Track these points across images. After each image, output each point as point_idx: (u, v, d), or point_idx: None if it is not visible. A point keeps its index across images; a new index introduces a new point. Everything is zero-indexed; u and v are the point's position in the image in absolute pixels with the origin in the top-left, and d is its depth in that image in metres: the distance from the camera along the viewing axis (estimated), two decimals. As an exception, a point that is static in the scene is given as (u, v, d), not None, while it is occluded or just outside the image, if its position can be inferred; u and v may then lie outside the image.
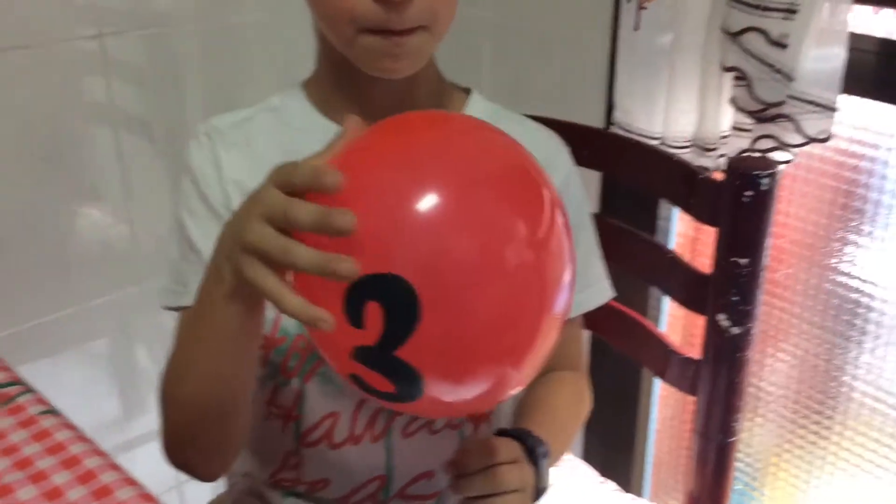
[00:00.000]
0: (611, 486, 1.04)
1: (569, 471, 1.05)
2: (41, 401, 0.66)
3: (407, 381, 0.50)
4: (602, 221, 0.87)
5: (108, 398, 1.32)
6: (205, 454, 0.71)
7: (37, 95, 1.10)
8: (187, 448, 0.70)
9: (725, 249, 0.84)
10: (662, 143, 1.06)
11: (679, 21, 1.00)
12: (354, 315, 0.49)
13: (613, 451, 1.38)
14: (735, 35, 0.94)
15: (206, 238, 0.73)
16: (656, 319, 1.27)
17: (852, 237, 1.10)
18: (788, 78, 0.92)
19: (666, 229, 1.22)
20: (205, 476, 0.72)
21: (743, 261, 0.83)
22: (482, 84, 1.35)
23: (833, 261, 1.12)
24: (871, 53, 0.95)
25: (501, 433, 0.75)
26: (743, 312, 0.85)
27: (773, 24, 0.91)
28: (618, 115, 1.11)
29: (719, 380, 0.89)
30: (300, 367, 0.74)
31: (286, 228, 0.51)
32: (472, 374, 0.51)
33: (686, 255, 1.03)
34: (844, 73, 0.90)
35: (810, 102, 0.92)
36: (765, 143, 0.97)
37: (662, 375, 0.97)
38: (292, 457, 0.78)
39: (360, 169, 0.50)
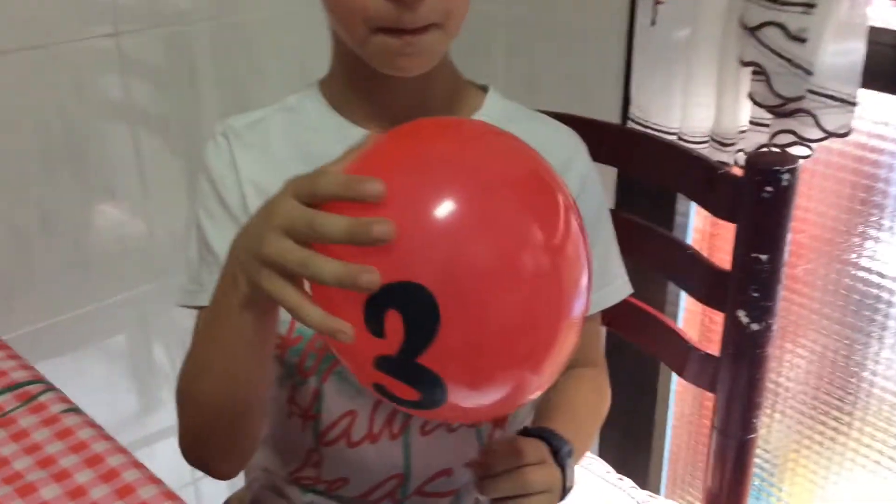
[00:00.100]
0: (627, 483, 1.04)
1: (584, 467, 1.05)
2: (63, 399, 0.67)
3: (430, 388, 0.50)
4: (618, 217, 0.87)
5: (127, 394, 1.33)
6: (220, 453, 0.71)
7: (54, 94, 1.11)
8: (203, 446, 0.70)
9: (745, 245, 0.83)
10: (679, 139, 1.05)
11: (696, 16, 0.99)
12: (375, 325, 0.49)
13: (629, 447, 1.37)
14: (753, 30, 0.93)
15: (222, 239, 0.72)
16: (674, 315, 1.26)
17: (872, 232, 1.09)
18: (807, 72, 0.91)
19: (683, 225, 1.22)
20: (220, 474, 0.73)
21: (763, 257, 0.82)
22: (496, 80, 1.35)
23: (852, 256, 1.12)
24: (892, 47, 0.94)
25: (525, 433, 0.75)
26: (763, 309, 0.85)
27: (792, 19, 0.90)
28: (634, 111, 1.10)
29: (739, 377, 0.88)
30: (317, 367, 0.74)
31: (306, 241, 0.50)
32: (492, 379, 0.51)
33: (703, 251, 1.02)
34: (864, 68, 0.89)
35: (830, 97, 0.91)
36: (783, 139, 0.96)
37: (681, 372, 0.96)
38: (314, 454, 0.79)
39: (376, 177, 0.49)
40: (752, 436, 0.91)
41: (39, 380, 0.69)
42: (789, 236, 0.83)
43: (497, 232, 0.48)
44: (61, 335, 1.20)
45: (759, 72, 0.94)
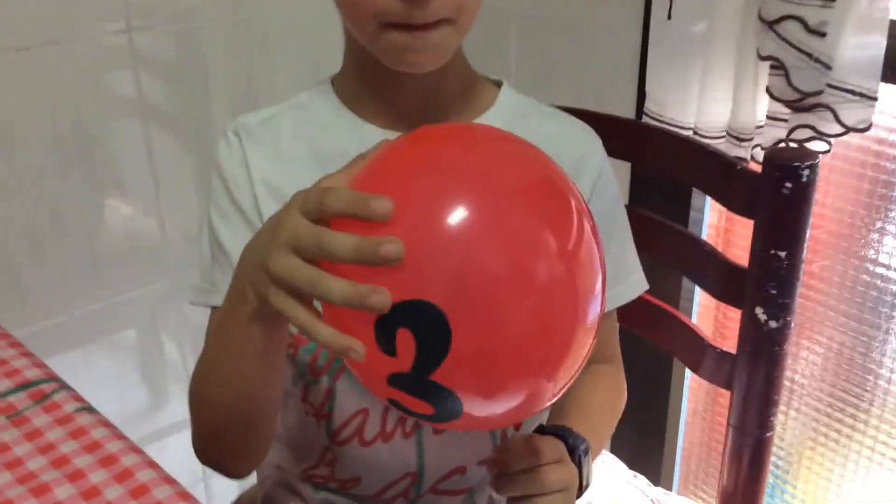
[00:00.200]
0: (642, 480, 1.03)
1: (598, 464, 1.04)
2: (76, 397, 0.66)
3: (444, 403, 0.50)
4: (632, 212, 0.86)
5: (137, 390, 1.33)
6: (233, 454, 0.71)
7: (66, 90, 1.11)
8: (216, 448, 0.70)
9: (764, 242, 0.82)
10: (695, 134, 1.04)
11: (713, 10, 0.98)
12: (386, 343, 0.48)
13: (642, 443, 1.37)
14: (772, 23, 0.92)
15: (234, 238, 0.72)
16: (688, 311, 1.25)
17: (890, 228, 1.08)
18: (827, 66, 0.90)
19: (698, 220, 1.21)
20: (234, 474, 0.73)
21: (782, 253, 0.81)
22: (509, 75, 1.34)
23: (869, 252, 1.10)
24: (913, 41, 0.93)
25: (541, 430, 0.74)
26: (781, 306, 0.84)
27: (812, 12, 0.89)
28: (649, 106, 1.09)
29: (756, 374, 0.87)
30: (329, 366, 0.73)
31: (313, 258, 0.49)
32: (507, 389, 0.50)
33: (717, 246, 1.01)
34: (884, 61, 0.88)
35: (849, 91, 0.90)
36: (802, 133, 0.95)
37: (696, 369, 0.95)
38: (328, 453, 0.78)
39: (383, 191, 0.48)
40: (769, 434, 0.91)
41: (52, 378, 0.68)
42: (808, 233, 0.82)
43: (509, 241, 0.48)
44: (73, 331, 1.21)
45: (778, 66, 0.93)
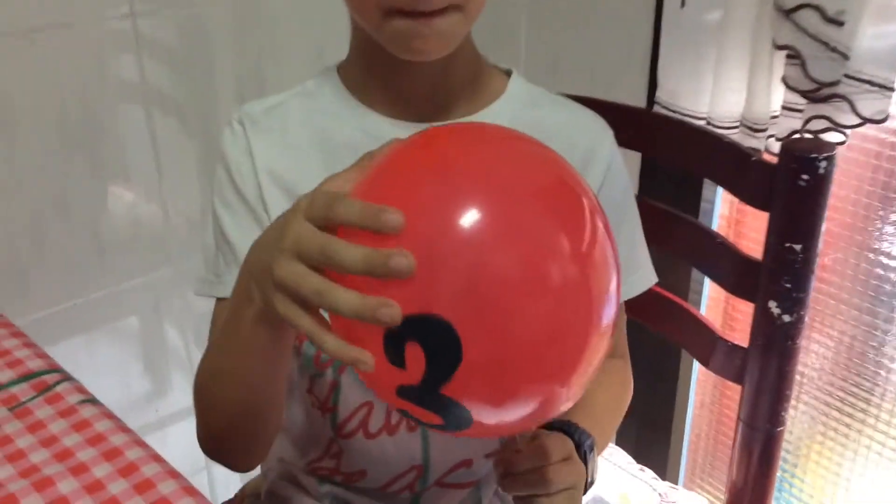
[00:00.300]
0: (648, 474, 1.02)
1: (605, 458, 1.03)
2: (80, 389, 0.65)
3: (455, 416, 0.48)
4: (642, 203, 0.84)
5: (140, 378, 1.32)
6: (238, 449, 0.70)
7: (69, 75, 1.09)
8: (220, 442, 0.69)
9: (778, 235, 0.81)
10: (708, 124, 1.03)
11: (728, -4, 0.96)
12: (395, 356, 0.46)
13: (648, 436, 1.36)
14: (788, 12, 0.90)
15: (238, 229, 0.71)
16: (697, 303, 1.24)
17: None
18: (844, 56, 0.88)
19: (708, 211, 1.19)
20: (237, 468, 0.72)
21: (797, 247, 0.80)
22: (518, 62, 1.33)
23: (884, 245, 1.09)
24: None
25: (548, 426, 0.73)
26: (795, 300, 0.82)
27: (830, 1, 0.87)
28: (661, 95, 1.07)
29: (768, 369, 0.86)
30: (333, 359, 0.72)
31: (319, 267, 0.48)
32: (519, 398, 0.49)
33: (728, 238, 0.99)
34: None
35: (867, 82, 0.88)
36: (817, 124, 0.93)
37: (707, 363, 0.94)
38: (333, 445, 0.77)
39: (391, 197, 0.47)
40: (780, 428, 0.89)
41: (56, 369, 0.67)
42: (824, 226, 0.81)
43: (522, 249, 0.46)
44: (75, 319, 1.20)
45: (794, 55, 0.91)
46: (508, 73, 0.77)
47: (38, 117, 1.09)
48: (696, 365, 1.30)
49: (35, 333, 0.78)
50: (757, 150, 0.98)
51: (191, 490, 0.56)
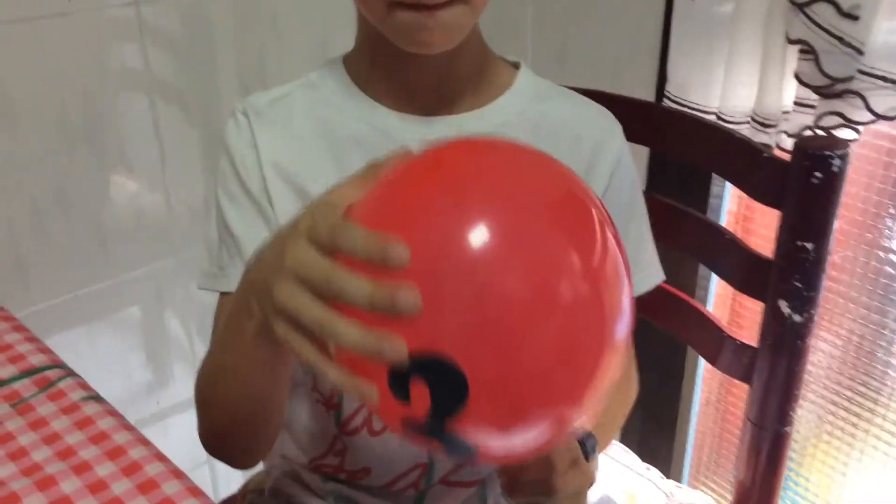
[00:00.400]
0: (655, 473, 1.01)
1: (611, 457, 1.02)
2: (83, 385, 0.64)
3: (461, 448, 0.47)
4: (650, 199, 0.83)
5: (142, 370, 1.31)
6: (237, 448, 0.70)
7: (72, 64, 1.08)
8: (222, 442, 0.69)
9: (790, 233, 0.80)
10: (718, 118, 1.01)
11: (741, -11, 0.95)
12: (399, 391, 0.45)
13: (653, 433, 1.35)
14: (802, 5, 0.89)
15: (242, 221, 0.71)
16: (703, 299, 1.23)
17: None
18: (858, 52, 0.86)
19: (717, 207, 1.18)
20: (238, 466, 0.71)
21: (809, 245, 0.79)
22: (525, 54, 1.31)
23: (894, 243, 1.08)
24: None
25: None
26: (805, 299, 0.81)
27: (845, -6, 0.86)
28: (670, 88, 1.06)
29: (777, 368, 0.85)
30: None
31: (321, 295, 0.45)
32: (530, 428, 0.47)
33: (737, 234, 0.98)
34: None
35: (881, 78, 0.87)
36: (830, 121, 0.92)
37: (714, 361, 0.93)
38: (337, 442, 0.76)
39: (396, 223, 0.45)
40: (788, 428, 0.89)
41: (58, 364, 0.66)
42: (836, 224, 0.79)
43: (532, 277, 0.44)
44: (77, 309, 1.19)
45: (807, 50, 0.90)
46: (516, 66, 0.76)
47: (39, 107, 1.07)
48: (702, 362, 1.29)
49: (36, 324, 0.78)
50: (768, 146, 0.97)
51: (195, 490, 0.55)
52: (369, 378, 0.45)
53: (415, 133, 0.70)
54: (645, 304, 0.91)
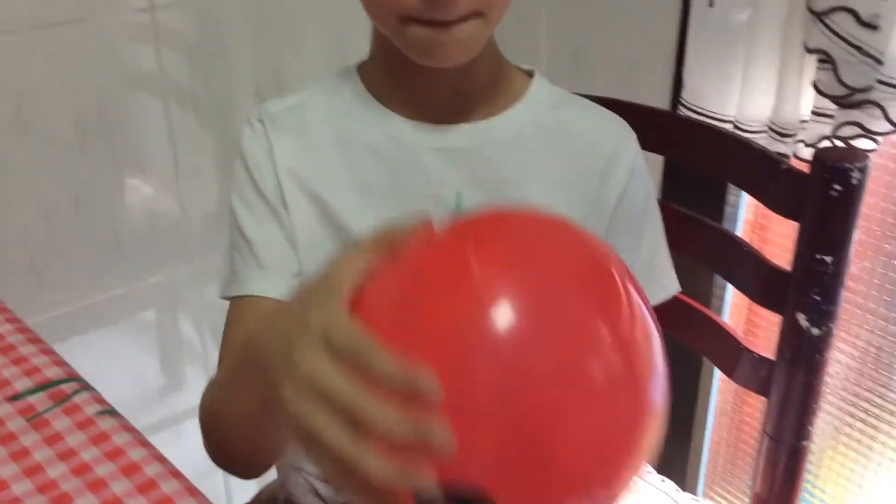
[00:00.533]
0: (670, 485, 1.00)
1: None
2: (98, 399, 0.64)
3: None
4: (665, 207, 0.82)
5: (157, 375, 1.32)
6: (241, 466, 0.68)
7: (88, 70, 1.09)
8: (227, 459, 0.68)
9: (808, 246, 0.79)
10: (735, 127, 1.01)
11: (759, -3, 0.94)
12: None
13: (668, 444, 1.34)
14: (821, 14, 0.88)
15: (255, 224, 0.71)
16: (718, 308, 1.22)
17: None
18: (878, 61, 0.86)
19: (732, 216, 1.17)
20: (246, 478, 0.70)
21: (827, 258, 0.78)
22: (539, 61, 1.30)
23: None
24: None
25: None
26: (824, 313, 0.80)
27: (864, 4, 0.85)
28: (686, 96, 1.05)
29: (795, 382, 0.84)
30: None
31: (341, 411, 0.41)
32: None
33: (752, 243, 0.97)
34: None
35: (901, 88, 0.86)
36: (848, 130, 0.91)
37: (731, 374, 0.92)
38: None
39: (414, 333, 0.42)
40: (805, 442, 0.88)
41: (73, 377, 0.66)
42: (855, 237, 0.79)
43: (568, 390, 0.42)
44: (92, 315, 1.19)
45: (826, 59, 0.89)
46: (530, 74, 0.76)
47: (55, 112, 1.08)
48: (717, 373, 1.28)
49: (51, 329, 0.78)
50: (785, 156, 0.96)
51: (210, 507, 0.55)
52: (396, 499, 0.42)
53: (428, 141, 0.70)
54: (659, 314, 0.91)
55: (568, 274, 0.45)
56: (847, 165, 0.75)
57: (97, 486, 0.55)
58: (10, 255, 1.10)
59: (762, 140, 0.98)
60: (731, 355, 0.91)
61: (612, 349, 0.44)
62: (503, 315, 0.42)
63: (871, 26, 0.85)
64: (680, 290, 0.81)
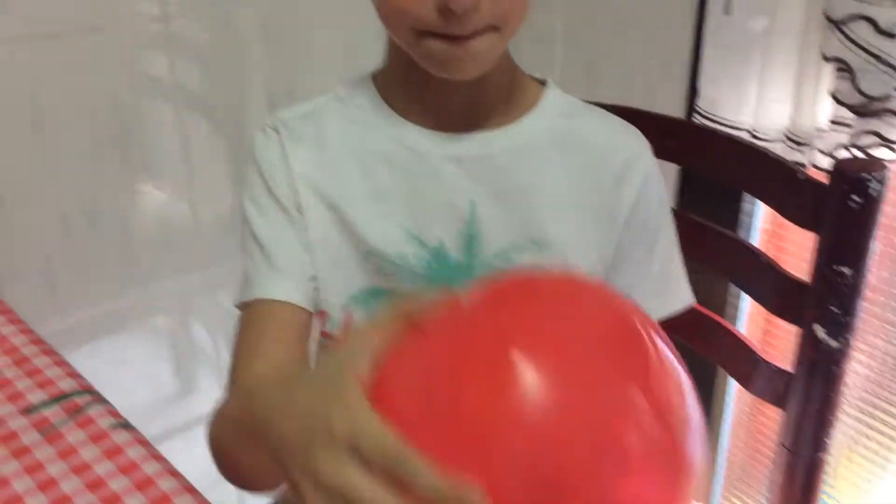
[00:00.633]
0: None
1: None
2: (112, 412, 0.64)
3: None
4: (680, 217, 0.82)
5: (170, 380, 1.32)
6: (253, 484, 0.68)
7: (102, 78, 1.09)
8: (235, 476, 0.67)
9: (827, 257, 0.78)
10: (751, 136, 1.00)
11: (775, 5, 0.93)
12: None
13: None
14: (838, 23, 0.87)
15: (269, 227, 0.71)
16: (733, 318, 1.21)
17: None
18: (896, 70, 0.85)
19: (748, 225, 1.16)
20: (260, 495, 0.70)
21: (846, 270, 0.77)
22: (553, 69, 1.30)
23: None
24: None
25: None
26: (842, 325, 0.79)
27: (883, 12, 0.84)
28: (701, 104, 1.04)
29: (813, 394, 0.83)
30: None
31: None
32: None
33: (768, 252, 0.96)
34: (960, 66, 0.83)
35: (920, 97, 0.85)
36: (866, 140, 0.90)
37: (747, 385, 0.91)
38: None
39: (440, 421, 0.41)
40: (822, 454, 0.87)
41: (87, 390, 0.66)
42: (874, 248, 0.78)
43: (602, 463, 0.41)
44: (105, 321, 1.20)
45: (844, 68, 0.88)
46: (543, 83, 0.75)
47: (69, 120, 1.08)
48: (732, 383, 1.27)
49: (65, 337, 0.78)
50: (802, 166, 0.95)
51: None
52: None
53: (443, 150, 0.70)
54: (675, 323, 0.90)
55: (599, 345, 0.44)
56: (865, 176, 0.74)
57: (111, 501, 0.55)
58: (25, 262, 1.10)
59: (778, 149, 0.98)
60: (748, 366, 0.90)
61: (648, 415, 0.43)
62: (539, 404, 0.41)
63: (889, 35, 0.84)
64: (694, 300, 0.80)
